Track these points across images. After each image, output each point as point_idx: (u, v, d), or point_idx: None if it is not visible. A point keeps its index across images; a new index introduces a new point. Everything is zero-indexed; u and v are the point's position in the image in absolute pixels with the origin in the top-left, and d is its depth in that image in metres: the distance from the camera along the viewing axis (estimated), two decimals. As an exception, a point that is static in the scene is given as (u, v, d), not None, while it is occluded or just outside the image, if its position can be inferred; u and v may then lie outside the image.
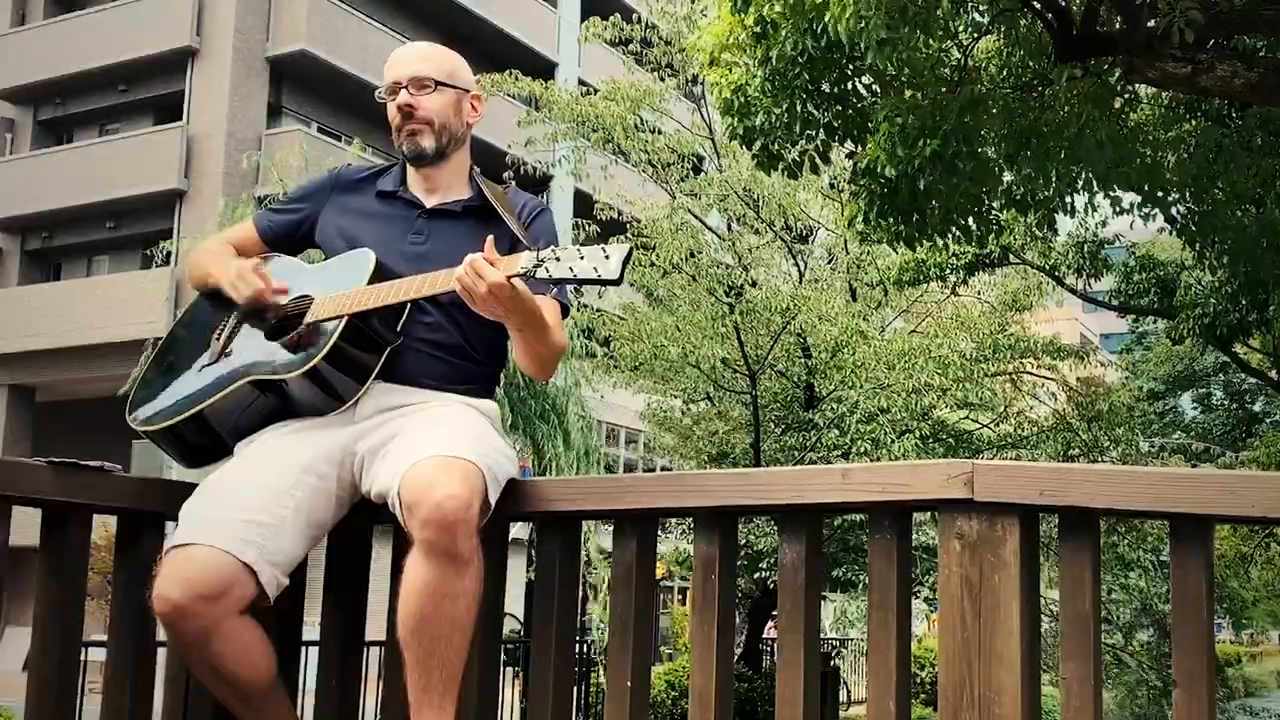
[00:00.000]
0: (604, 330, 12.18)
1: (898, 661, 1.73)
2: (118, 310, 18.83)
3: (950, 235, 6.60)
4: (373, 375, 2.06)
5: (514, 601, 12.15)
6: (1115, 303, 13.54)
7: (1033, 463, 2.02)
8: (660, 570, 14.54)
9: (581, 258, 1.83)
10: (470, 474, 1.86)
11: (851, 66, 5.90)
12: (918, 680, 14.38)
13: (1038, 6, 5.96)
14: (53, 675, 1.93)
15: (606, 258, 1.82)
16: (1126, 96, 6.86)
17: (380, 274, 2.07)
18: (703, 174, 13.34)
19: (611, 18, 12.69)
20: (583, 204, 16.08)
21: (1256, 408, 19.98)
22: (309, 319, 2.07)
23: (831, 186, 12.08)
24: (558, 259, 1.84)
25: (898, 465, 1.80)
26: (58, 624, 1.94)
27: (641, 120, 12.56)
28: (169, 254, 13.90)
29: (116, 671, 2.02)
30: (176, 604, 1.81)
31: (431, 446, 1.89)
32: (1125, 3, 5.61)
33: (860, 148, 6.27)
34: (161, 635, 1.96)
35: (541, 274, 1.85)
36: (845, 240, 12.31)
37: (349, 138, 16.02)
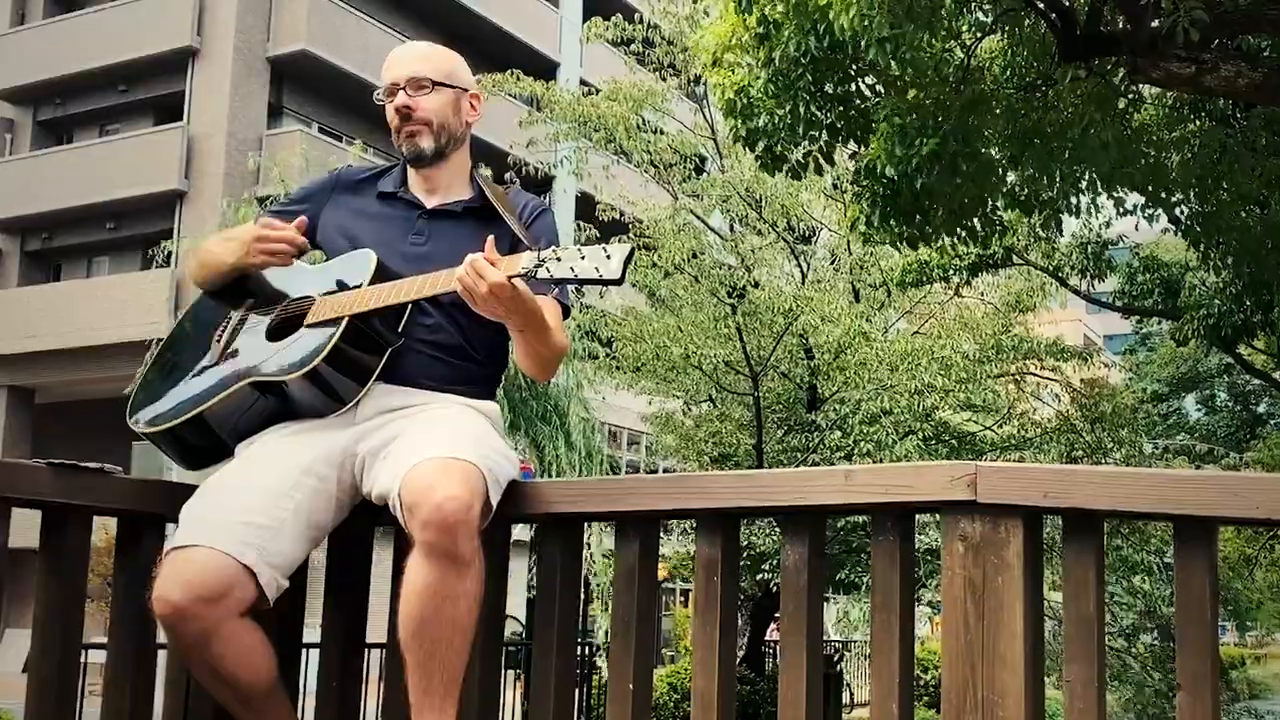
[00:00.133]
0: (606, 331, 12.18)
1: (901, 663, 1.73)
2: (118, 311, 18.80)
3: (955, 236, 6.59)
4: (373, 376, 2.05)
5: (516, 604, 12.14)
6: (1119, 304, 13.52)
7: (1036, 464, 2.02)
8: (662, 573, 14.53)
9: (583, 258, 1.82)
10: (471, 475, 1.85)
11: (855, 67, 5.89)
12: (921, 682, 14.36)
13: (1041, 6, 5.95)
14: (53, 676, 1.93)
15: (608, 258, 1.81)
16: (1130, 97, 6.85)
17: (381, 275, 2.06)
18: (705, 174, 13.33)
19: (613, 18, 12.69)
20: (585, 205, 16.08)
21: (1261, 409, 19.95)
22: (310, 320, 2.07)
23: (834, 187, 12.07)
24: (559, 259, 1.83)
25: (901, 467, 1.79)
26: (58, 624, 1.94)
27: (644, 120, 12.56)
28: (169, 254, 13.90)
29: (117, 674, 2.02)
30: (177, 606, 1.81)
31: (432, 448, 1.88)
32: (1129, 3, 5.60)
33: (863, 148, 6.26)
34: (162, 637, 1.95)
35: (542, 274, 1.85)
36: (848, 241, 12.29)
37: (350, 138, 16.03)
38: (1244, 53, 5.91)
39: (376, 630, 2.08)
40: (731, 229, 13.52)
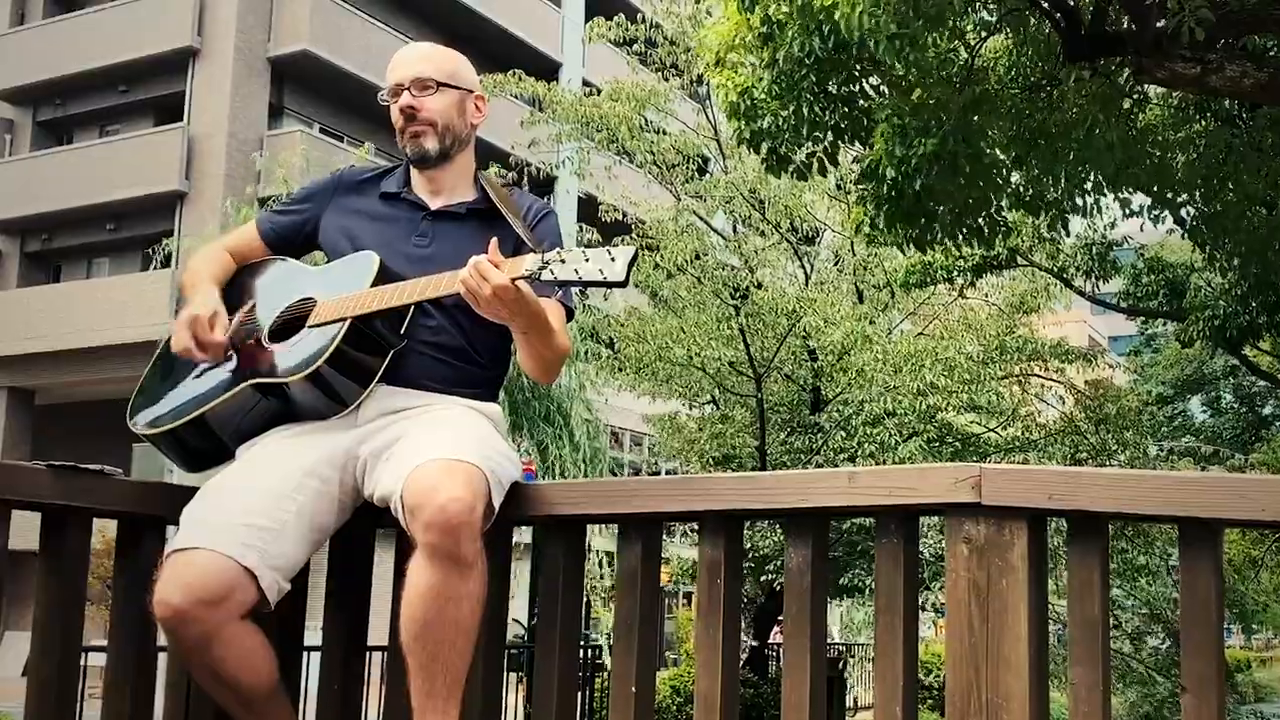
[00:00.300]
0: (608, 332, 12.17)
1: (905, 666, 1.72)
2: (118, 312, 18.77)
3: (959, 237, 6.58)
4: (375, 378, 2.05)
5: (518, 606, 12.13)
6: (1124, 305, 13.49)
7: (1041, 466, 2.01)
8: (664, 575, 14.51)
9: (587, 260, 1.81)
10: (474, 477, 1.85)
11: (859, 67, 5.88)
12: (925, 685, 14.33)
13: (1046, 6, 5.94)
14: (52, 678, 1.92)
15: (612, 260, 1.80)
16: (1135, 97, 6.83)
17: (384, 276, 2.06)
18: (708, 175, 13.32)
19: (616, 18, 12.68)
20: (587, 206, 16.07)
21: (1266, 411, 19.89)
22: (312, 321, 2.06)
23: (838, 188, 12.06)
24: (563, 261, 1.83)
25: (905, 469, 1.78)
26: (57, 626, 1.94)
27: (646, 121, 12.55)
28: (169, 254, 13.88)
29: (117, 676, 2.01)
30: (177, 609, 1.80)
31: (435, 449, 1.88)
32: (1134, 2, 5.58)
33: (866, 149, 6.25)
34: (162, 640, 1.95)
35: (546, 276, 1.84)
36: (851, 242, 12.28)
37: (352, 139, 16.03)
38: (1250, 53, 5.89)
39: (378, 633, 2.08)
40: (735, 230, 13.51)
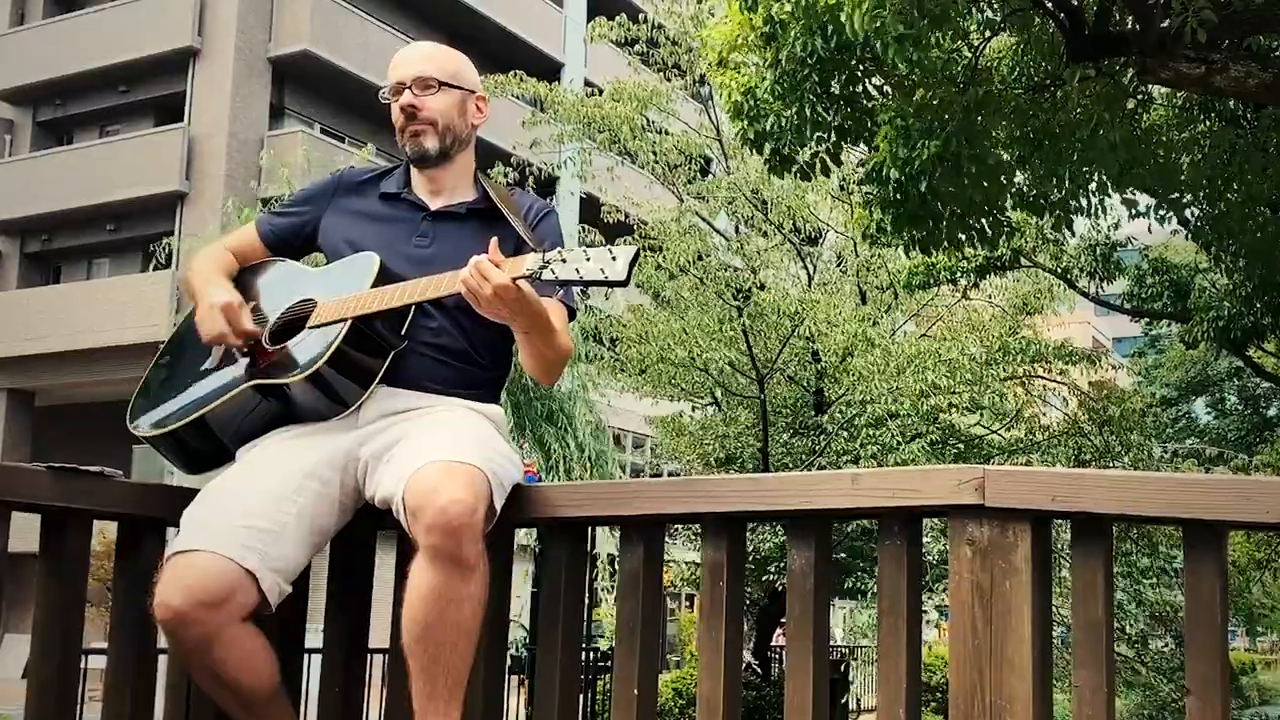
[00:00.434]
0: (610, 332, 12.15)
1: (908, 668, 1.72)
2: (118, 313, 18.72)
3: (964, 239, 6.57)
4: (376, 379, 2.04)
5: (520, 609, 12.12)
6: (1128, 306, 13.47)
7: (1044, 468, 2.00)
8: (667, 577, 14.47)
9: (588, 259, 1.81)
10: (475, 479, 1.84)
11: (861, 67, 5.87)
12: (928, 687, 14.30)
13: (1050, 6, 5.92)
14: (52, 680, 1.92)
15: (613, 259, 1.80)
16: (1140, 97, 6.82)
17: (384, 277, 2.05)
18: (710, 176, 13.31)
19: (618, 18, 12.66)
20: (589, 206, 16.06)
21: (1271, 412, 19.84)
22: (312, 322, 2.06)
23: (841, 188, 12.04)
24: (564, 260, 1.82)
25: (908, 470, 1.78)
26: (57, 628, 1.93)
27: (648, 121, 12.53)
28: (169, 254, 13.87)
29: (117, 678, 2.01)
30: (178, 611, 1.79)
31: (436, 451, 1.87)
32: (1138, 2, 5.57)
33: (870, 150, 6.25)
34: (162, 642, 1.94)
35: (547, 276, 1.83)
36: (854, 243, 12.26)
37: (353, 139, 16.00)
38: (1254, 53, 5.88)
39: (379, 635, 2.07)
40: (737, 230, 13.49)
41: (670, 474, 15.23)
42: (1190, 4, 5.04)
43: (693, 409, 13.33)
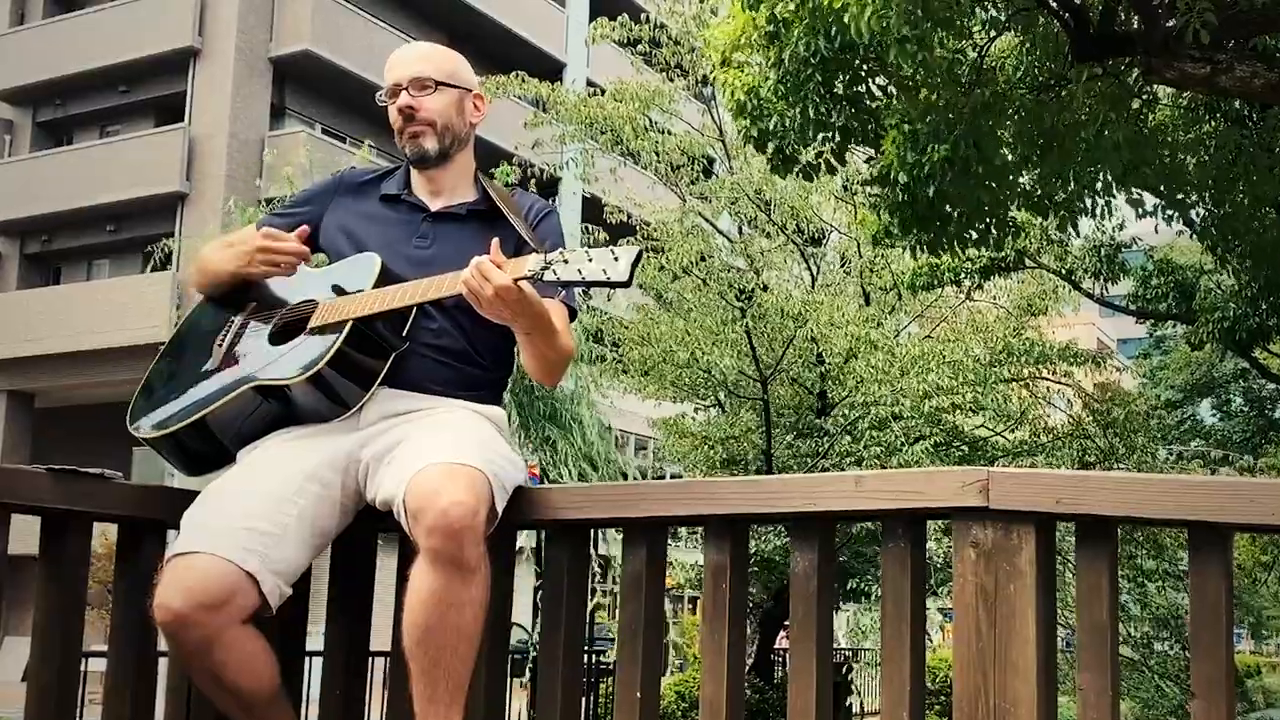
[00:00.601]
0: (613, 334, 12.14)
1: (912, 671, 1.71)
2: (118, 315, 18.68)
3: (972, 239, 6.56)
4: (378, 381, 2.04)
5: (521, 612, 12.12)
6: (1132, 308, 13.44)
7: (1049, 470, 2.00)
8: (669, 580, 14.46)
9: (590, 260, 1.80)
10: (477, 481, 1.84)
11: (865, 67, 5.86)
12: (932, 690, 14.27)
13: (1054, 5, 5.91)
14: (52, 683, 1.92)
15: (615, 260, 1.79)
16: (1145, 97, 6.81)
17: (385, 278, 2.05)
18: (714, 176, 13.29)
19: (620, 17, 12.64)
20: (592, 207, 16.05)
21: (1277, 414, 19.79)
22: (313, 324, 2.05)
23: (845, 189, 12.03)
24: (565, 261, 1.81)
25: (912, 472, 1.77)
26: (57, 631, 1.93)
27: (651, 121, 12.52)
28: (168, 254, 13.84)
29: (117, 681, 2.01)
30: (178, 613, 1.79)
31: (437, 453, 1.87)
32: (1143, 2, 5.56)
33: (877, 151, 6.24)
34: (163, 644, 1.94)
35: (549, 277, 1.82)
36: (858, 244, 12.25)
37: (354, 139, 15.96)
38: (1260, 53, 5.86)
39: (380, 637, 2.06)
40: (740, 231, 13.47)
41: (673, 476, 15.22)
42: (1194, 4, 5.03)
43: (695, 411, 13.31)
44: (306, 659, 2.24)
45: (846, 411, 11.59)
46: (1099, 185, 6.59)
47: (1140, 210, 7.48)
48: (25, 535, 1.87)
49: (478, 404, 2.11)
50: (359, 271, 2.09)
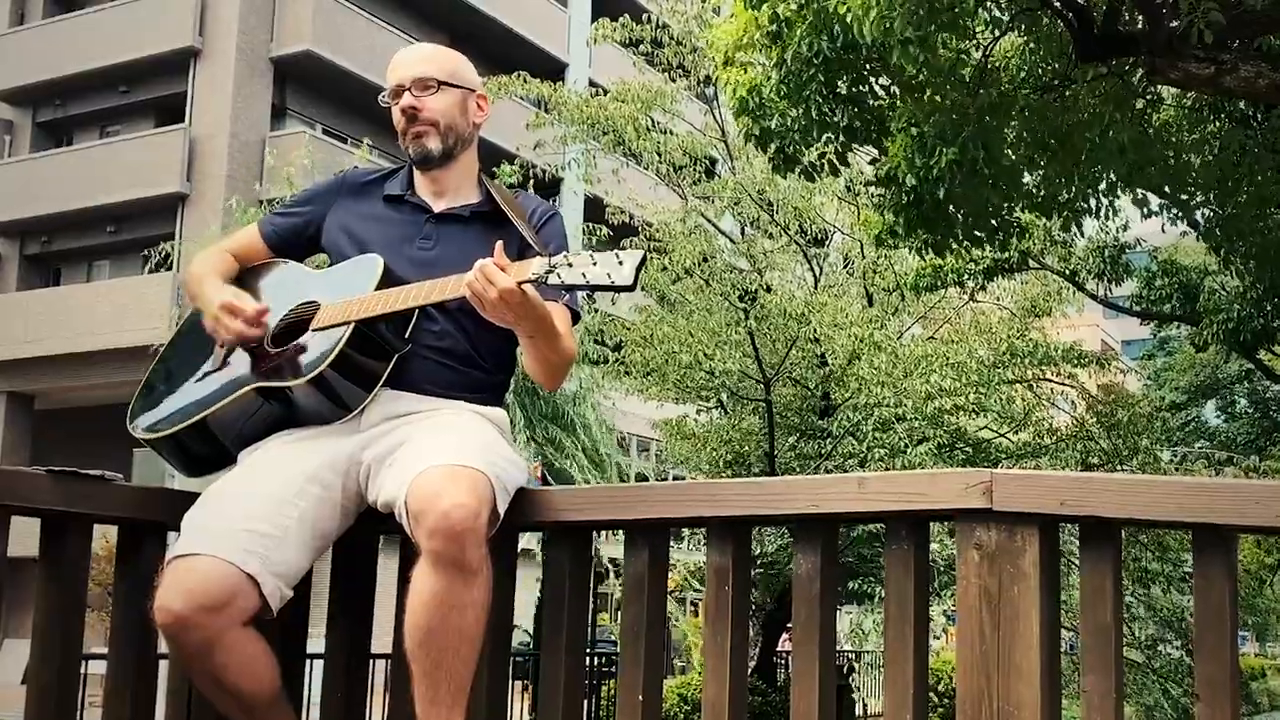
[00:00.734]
0: (615, 335, 12.12)
1: (915, 674, 1.71)
2: (118, 316, 18.63)
3: (972, 240, 6.55)
4: (380, 383, 2.03)
5: (523, 613, 12.10)
6: (1136, 309, 13.41)
7: (1053, 472, 1.99)
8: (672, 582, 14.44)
9: (594, 263, 1.79)
10: (478, 483, 1.83)
11: (868, 67, 5.85)
12: (935, 693, 14.24)
13: (1058, 6, 5.90)
14: (52, 684, 1.91)
15: (620, 263, 1.78)
16: (1149, 98, 6.79)
17: (388, 280, 2.04)
18: (716, 177, 13.28)
19: (621, 18, 12.62)
20: (593, 208, 16.03)
21: (1282, 415, 19.75)
22: (315, 325, 2.05)
23: (848, 189, 12.01)
24: (570, 264, 1.81)
25: (915, 474, 1.76)
26: (57, 632, 1.92)
27: (653, 122, 12.50)
28: (166, 256, 13.81)
29: (118, 683, 2.00)
30: (178, 615, 1.78)
31: (439, 455, 1.86)
32: (1147, 2, 5.55)
33: (880, 151, 6.23)
34: (163, 647, 1.93)
35: (553, 280, 1.82)
36: (861, 244, 12.23)
37: (356, 140, 15.92)
38: (1265, 53, 5.85)
39: (382, 640, 2.06)
40: (743, 232, 13.46)
41: (675, 478, 15.20)
42: (1199, 4, 5.02)
43: (698, 412, 13.30)
44: (307, 661, 2.24)
45: (850, 413, 11.57)
46: (1103, 186, 6.58)
47: (1145, 210, 7.47)
48: (25, 537, 1.87)
49: (480, 406, 2.10)
50: (361, 273, 2.08)
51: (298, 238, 2.25)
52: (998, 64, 6.48)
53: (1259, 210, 7.41)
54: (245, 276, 2.23)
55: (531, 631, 11.94)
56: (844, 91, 5.88)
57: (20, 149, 21.97)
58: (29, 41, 21.40)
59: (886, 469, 10.14)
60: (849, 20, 5.11)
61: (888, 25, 4.97)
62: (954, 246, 6.48)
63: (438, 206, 2.19)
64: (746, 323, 11.57)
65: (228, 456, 2.11)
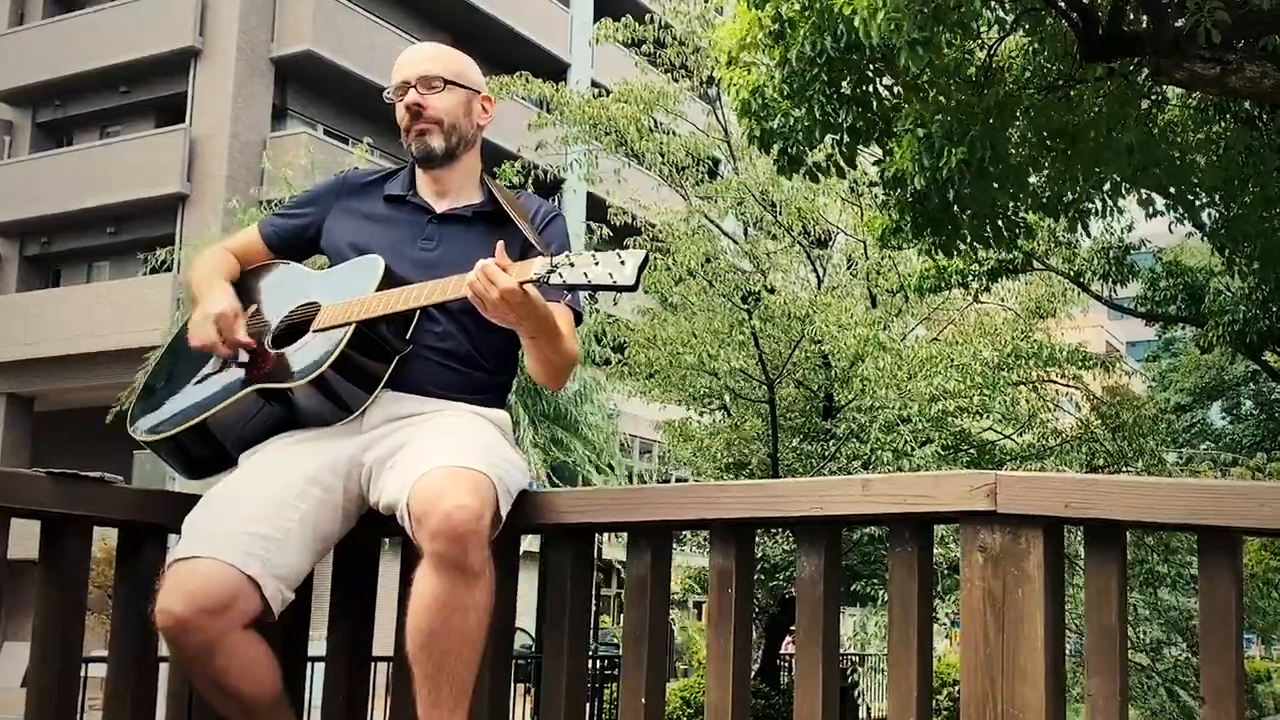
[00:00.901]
0: (617, 336, 12.11)
1: (919, 677, 1.70)
2: (119, 317, 18.60)
3: (982, 241, 6.54)
4: (381, 384, 2.02)
5: (525, 615, 12.10)
6: (1141, 310, 13.38)
7: (1057, 474, 1.98)
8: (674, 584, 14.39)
9: (596, 263, 1.79)
10: (481, 484, 1.82)
11: (872, 68, 5.84)
12: (939, 696, 14.21)
13: (1062, 5, 5.88)
14: (52, 686, 1.91)
15: (622, 263, 1.78)
16: (1154, 98, 6.78)
17: (389, 280, 2.04)
18: (719, 177, 13.27)
19: (624, 18, 12.61)
20: (595, 208, 16.01)
21: (1287, 417, 19.72)
22: (316, 326, 2.04)
23: (851, 190, 11.99)
24: (572, 265, 1.80)
25: (919, 476, 1.76)
26: (57, 635, 1.92)
27: (655, 122, 12.49)
28: (165, 259, 13.80)
29: (118, 685, 2.00)
30: (179, 618, 1.78)
31: (441, 456, 1.86)
32: (1152, 2, 5.53)
33: (885, 152, 6.22)
34: (164, 649, 1.93)
35: (555, 280, 1.81)
36: (865, 245, 12.22)
37: (357, 140, 15.91)
38: (1270, 53, 5.83)
39: (383, 643, 2.05)
40: (746, 233, 13.45)
41: (678, 479, 15.19)
42: (1204, 4, 5.00)
43: (701, 414, 13.29)
44: (309, 664, 2.23)
45: (854, 414, 11.56)
46: (1108, 186, 6.56)
47: (1150, 211, 7.45)
48: (25, 540, 1.86)
49: (482, 407, 2.10)
50: (362, 274, 2.07)
51: (298, 239, 2.25)
52: (1002, 64, 6.47)
53: (1265, 211, 7.39)
54: (245, 278, 2.23)
55: (534, 634, 11.93)
56: (847, 92, 5.87)
57: (20, 149, 21.95)
58: (29, 41, 21.39)
59: (891, 471, 10.13)
60: (855, 22, 5.09)
61: (895, 26, 4.96)
62: (961, 247, 6.47)
63: (440, 207, 2.19)
64: (750, 323, 11.55)
65: (228, 458, 2.10)
